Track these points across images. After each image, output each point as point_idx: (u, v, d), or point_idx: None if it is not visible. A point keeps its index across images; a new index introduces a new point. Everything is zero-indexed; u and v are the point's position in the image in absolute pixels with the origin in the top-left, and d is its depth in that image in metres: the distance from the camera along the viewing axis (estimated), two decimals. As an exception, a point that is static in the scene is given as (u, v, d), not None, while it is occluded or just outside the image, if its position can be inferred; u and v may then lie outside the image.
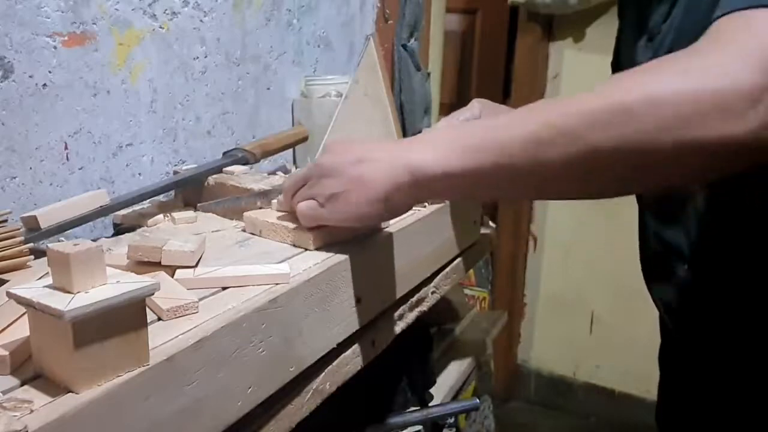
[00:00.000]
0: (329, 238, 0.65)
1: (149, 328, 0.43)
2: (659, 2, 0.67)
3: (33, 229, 0.64)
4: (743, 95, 0.44)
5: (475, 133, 0.54)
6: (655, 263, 0.76)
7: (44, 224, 0.64)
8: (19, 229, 0.59)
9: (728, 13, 0.49)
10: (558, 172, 0.50)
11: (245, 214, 0.72)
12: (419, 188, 0.56)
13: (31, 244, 0.60)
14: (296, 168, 0.95)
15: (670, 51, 0.64)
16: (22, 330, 0.44)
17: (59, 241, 0.65)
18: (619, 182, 0.51)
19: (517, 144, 0.51)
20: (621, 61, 0.82)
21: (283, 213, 0.70)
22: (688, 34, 0.60)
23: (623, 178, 0.50)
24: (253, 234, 0.70)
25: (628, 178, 0.50)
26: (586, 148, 0.47)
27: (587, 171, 0.49)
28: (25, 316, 0.43)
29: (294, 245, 0.66)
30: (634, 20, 0.75)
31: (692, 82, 0.45)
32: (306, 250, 0.65)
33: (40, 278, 0.52)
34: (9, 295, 0.41)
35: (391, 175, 0.56)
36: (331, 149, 0.62)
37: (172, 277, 0.56)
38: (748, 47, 0.46)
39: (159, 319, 0.49)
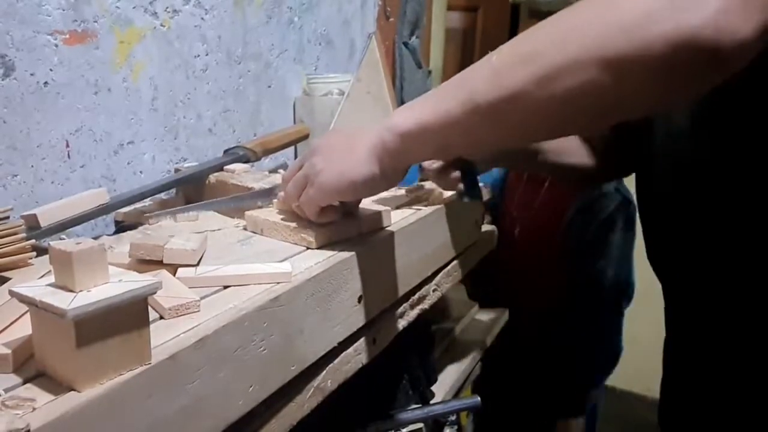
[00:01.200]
0: (331, 237, 0.66)
1: (151, 326, 0.43)
2: None
3: (33, 227, 0.64)
4: None
5: (447, 84, 0.56)
6: (664, 255, 0.75)
7: (44, 223, 0.64)
8: (20, 226, 0.59)
9: None
10: (527, 105, 0.48)
11: (246, 213, 0.72)
12: (402, 145, 0.58)
13: (32, 241, 0.60)
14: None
15: None
16: (24, 328, 0.44)
17: (61, 239, 0.65)
18: (590, 112, 0.47)
19: (480, 78, 0.51)
20: None
21: (285, 211, 0.70)
22: None
23: (593, 102, 0.46)
24: (254, 233, 0.70)
25: (597, 103, 0.46)
26: (547, 70, 0.45)
27: (552, 99, 0.46)
28: (27, 314, 0.43)
29: (296, 244, 0.66)
30: None
31: None
32: (307, 248, 0.65)
33: (42, 276, 0.52)
34: (11, 293, 0.41)
35: (373, 137, 0.59)
36: (322, 136, 0.65)
37: (174, 275, 0.56)
38: None
39: (161, 317, 0.49)
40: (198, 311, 0.50)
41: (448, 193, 0.85)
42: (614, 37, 0.43)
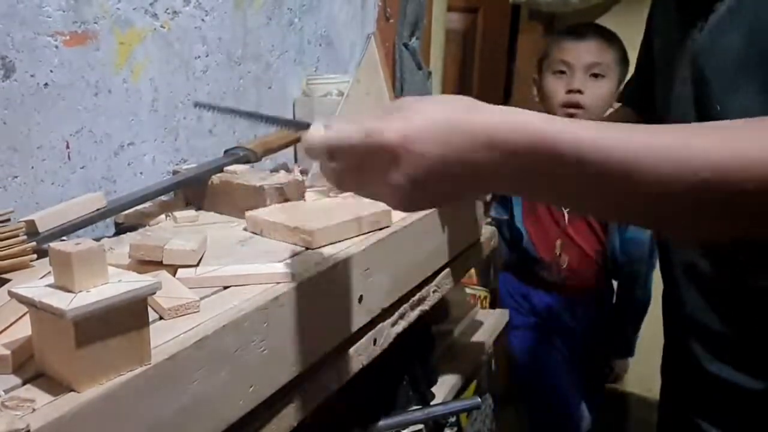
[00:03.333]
0: (330, 237, 0.66)
1: (151, 327, 0.43)
2: None
3: (31, 233, 0.63)
4: None
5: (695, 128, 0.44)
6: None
7: (42, 228, 0.64)
8: (21, 228, 0.59)
9: None
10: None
11: (247, 213, 0.72)
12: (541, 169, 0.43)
13: (33, 244, 0.60)
14: (297, 167, 0.95)
15: (723, 31, 0.61)
16: (23, 329, 0.44)
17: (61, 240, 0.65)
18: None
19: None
20: (649, 43, 0.82)
21: (284, 211, 0.70)
22: (744, 15, 0.59)
23: None
24: (254, 233, 0.70)
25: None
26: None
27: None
28: (27, 315, 0.44)
29: (295, 244, 0.66)
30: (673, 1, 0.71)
31: None
32: (307, 248, 0.65)
33: (42, 277, 0.52)
34: (11, 294, 0.41)
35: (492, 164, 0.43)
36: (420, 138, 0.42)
37: (174, 276, 0.56)
38: None
39: (160, 318, 0.49)
40: (198, 311, 0.50)
41: None
42: None
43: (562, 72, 1.51)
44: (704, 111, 0.63)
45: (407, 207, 0.46)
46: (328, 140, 0.45)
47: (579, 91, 1.48)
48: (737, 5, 0.61)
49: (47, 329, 0.40)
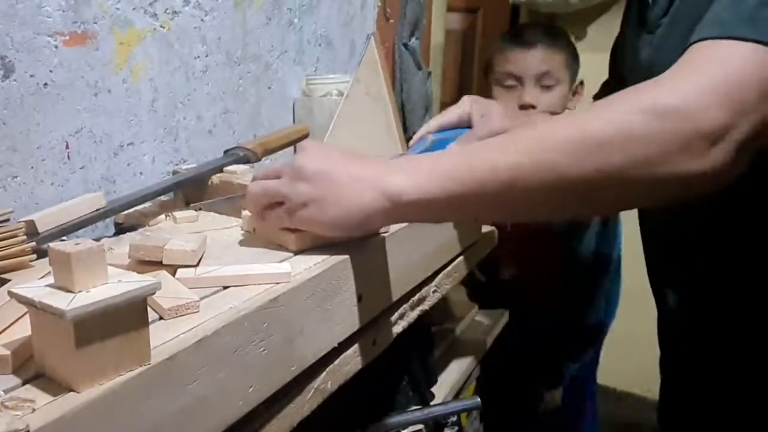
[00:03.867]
0: (314, 241, 0.65)
1: (151, 327, 0.43)
2: None
3: (30, 233, 0.63)
4: (705, 136, 0.47)
5: (454, 162, 0.55)
6: (660, 266, 0.76)
7: (42, 229, 0.64)
8: (20, 228, 0.59)
9: (701, 40, 0.52)
10: (533, 199, 0.52)
11: (243, 212, 0.72)
12: (397, 213, 0.57)
13: (33, 244, 0.60)
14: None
15: (666, 44, 0.64)
16: (23, 329, 0.44)
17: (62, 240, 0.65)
18: (590, 207, 0.58)
19: (496, 174, 0.52)
20: (623, 55, 0.83)
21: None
22: (681, 26, 0.61)
23: (594, 203, 0.54)
24: (249, 232, 0.70)
25: (598, 203, 0.54)
26: (562, 178, 0.50)
27: (561, 198, 0.52)
28: (27, 315, 0.43)
29: (279, 246, 0.65)
30: (635, 16, 0.76)
31: (658, 123, 0.48)
32: (292, 251, 0.64)
33: (41, 278, 0.52)
34: (10, 294, 0.41)
35: (370, 199, 0.56)
36: (308, 152, 0.60)
37: (174, 276, 0.56)
38: (713, 82, 0.48)
39: (160, 318, 0.49)
40: (197, 312, 0.50)
41: None
42: (625, 169, 0.50)
43: (511, 86, 1.42)
44: None
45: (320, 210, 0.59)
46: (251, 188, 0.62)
47: (532, 106, 1.39)
48: (674, 17, 0.66)
49: (47, 329, 0.40)
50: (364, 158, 0.59)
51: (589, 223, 1.47)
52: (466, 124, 0.81)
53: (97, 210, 0.71)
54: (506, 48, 1.45)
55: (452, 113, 0.81)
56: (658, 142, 0.48)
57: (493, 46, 1.57)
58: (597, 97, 1.02)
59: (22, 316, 0.47)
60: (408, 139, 1.47)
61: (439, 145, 0.79)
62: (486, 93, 1.50)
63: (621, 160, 0.48)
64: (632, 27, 0.78)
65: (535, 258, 1.53)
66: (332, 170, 0.58)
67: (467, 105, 0.80)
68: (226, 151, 0.92)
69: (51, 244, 0.41)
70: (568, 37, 1.48)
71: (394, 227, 0.72)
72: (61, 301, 0.38)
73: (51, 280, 0.41)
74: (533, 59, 1.40)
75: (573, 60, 1.46)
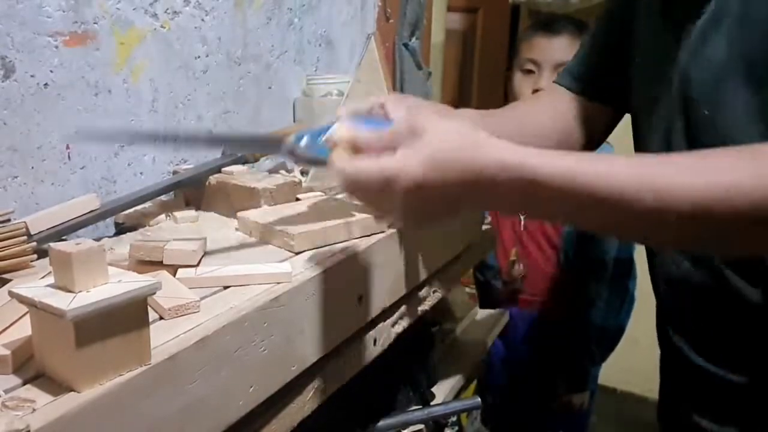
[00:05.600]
0: (315, 242, 0.65)
1: (151, 327, 0.43)
2: None
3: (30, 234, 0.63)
4: None
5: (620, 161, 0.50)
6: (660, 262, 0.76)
7: (33, 231, 0.63)
8: (21, 228, 0.59)
9: None
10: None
11: (238, 214, 0.71)
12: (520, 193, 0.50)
13: (33, 244, 0.60)
14: (297, 167, 0.95)
15: (706, 48, 0.61)
16: (24, 329, 0.44)
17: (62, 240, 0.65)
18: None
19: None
20: (629, 58, 0.76)
21: (274, 212, 0.68)
22: (727, 25, 0.59)
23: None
24: (246, 233, 0.70)
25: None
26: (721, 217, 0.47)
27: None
28: (27, 315, 0.44)
29: (280, 247, 0.65)
30: (656, 8, 0.70)
31: None
32: (290, 252, 0.64)
33: (42, 278, 0.52)
34: (11, 294, 0.41)
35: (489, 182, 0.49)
36: (436, 155, 0.49)
37: (174, 276, 0.56)
38: None
39: (161, 318, 0.49)
40: (198, 312, 0.50)
41: None
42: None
43: (530, 71, 1.45)
44: (692, 114, 0.63)
45: (414, 227, 0.55)
46: (345, 178, 0.50)
47: None
48: (720, 10, 0.61)
49: (47, 329, 0.40)
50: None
51: None
52: (378, 116, 0.73)
53: (94, 210, 0.71)
54: (532, 35, 1.48)
55: (364, 104, 0.75)
56: None
57: (521, 33, 1.62)
58: (562, 78, 0.88)
59: (23, 316, 0.47)
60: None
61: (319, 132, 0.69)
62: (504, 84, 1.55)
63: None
64: (651, 24, 0.71)
65: (545, 260, 1.54)
66: (438, 181, 0.49)
67: (382, 98, 0.75)
68: (224, 152, 0.92)
69: (51, 245, 0.41)
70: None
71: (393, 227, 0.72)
72: (61, 301, 0.38)
73: (51, 280, 0.41)
74: (556, 47, 1.42)
75: None
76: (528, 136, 0.80)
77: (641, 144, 0.76)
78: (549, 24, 1.48)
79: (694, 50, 0.63)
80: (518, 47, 1.52)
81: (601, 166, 0.49)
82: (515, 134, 0.80)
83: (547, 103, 0.87)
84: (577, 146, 0.85)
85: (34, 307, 0.39)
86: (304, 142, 0.59)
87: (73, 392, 0.39)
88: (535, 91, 1.40)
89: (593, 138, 0.87)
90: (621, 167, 0.49)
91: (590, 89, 0.84)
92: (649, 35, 0.72)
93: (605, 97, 0.83)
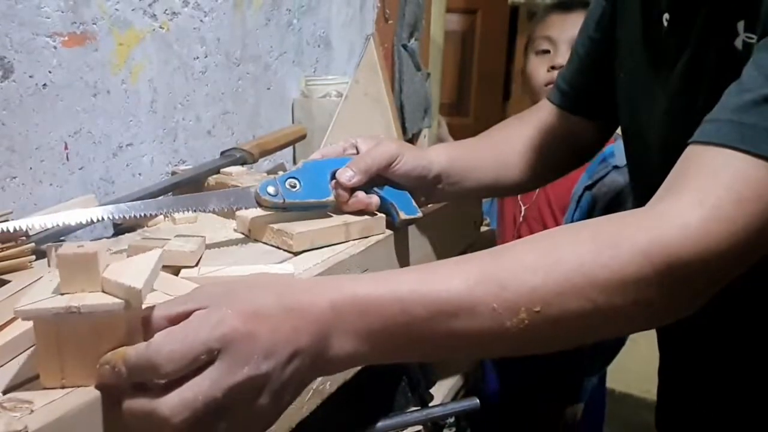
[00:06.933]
0: (314, 242, 0.65)
1: (151, 327, 0.43)
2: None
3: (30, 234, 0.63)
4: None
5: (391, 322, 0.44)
6: None
7: (30, 232, 0.63)
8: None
9: (698, 143, 0.49)
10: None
11: (237, 213, 0.71)
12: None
13: (32, 245, 0.60)
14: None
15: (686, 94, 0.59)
16: (20, 328, 0.44)
17: (61, 241, 0.65)
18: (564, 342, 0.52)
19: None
20: (625, 95, 0.73)
21: (273, 209, 0.68)
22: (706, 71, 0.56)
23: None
24: (243, 234, 0.70)
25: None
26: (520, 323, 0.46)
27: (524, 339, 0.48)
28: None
29: (278, 247, 0.65)
30: (638, 34, 0.68)
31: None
32: (288, 252, 0.64)
33: (39, 278, 0.52)
34: (17, 313, 0.40)
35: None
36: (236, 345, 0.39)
37: (177, 276, 0.56)
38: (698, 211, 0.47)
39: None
40: (197, 313, 0.50)
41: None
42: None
43: (546, 51, 1.42)
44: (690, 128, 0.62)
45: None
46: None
47: (563, 67, 1.39)
48: (697, 51, 0.58)
49: (47, 330, 0.40)
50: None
51: None
52: (349, 155, 0.74)
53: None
54: (547, 14, 1.48)
55: (336, 146, 0.74)
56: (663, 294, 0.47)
57: (534, 19, 1.60)
58: (556, 96, 0.87)
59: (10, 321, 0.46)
60: (408, 140, 1.47)
61: (312, 167, 0.71)
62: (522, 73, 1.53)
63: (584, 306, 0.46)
64: (636, 53, 0.68)
65: None
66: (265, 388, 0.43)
67: (354, 139, 0.74)
68: (223, 153, 0.92)
69: (51, 246, 0.41)
70: None
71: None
72: (59, 304, 0.38)
73: (51, 281, 0.41)
74: (570, 23, 1.39)
75: None
76: (501, 164, 0.82)
77: (634, 157, 0.75)
78: (563, 2, 1.47)
79: (671, 103, 0.62)
80: (532, 32, 1.50)
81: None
82: (489, 165, 0.82)
83: (534, 120, 0.86)
84: (563, 161, 0.86)
85: (76, 313, 0.38)
86: (270, 189, 0.65)
87: (71, 393, 0.39)
88: (551, 68, 1.38)
89: (582, 152, 0.88)
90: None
91: (572, 103, 0.84)
92: (636, 79, 0.70)
93: (589, 111, 0.83)
